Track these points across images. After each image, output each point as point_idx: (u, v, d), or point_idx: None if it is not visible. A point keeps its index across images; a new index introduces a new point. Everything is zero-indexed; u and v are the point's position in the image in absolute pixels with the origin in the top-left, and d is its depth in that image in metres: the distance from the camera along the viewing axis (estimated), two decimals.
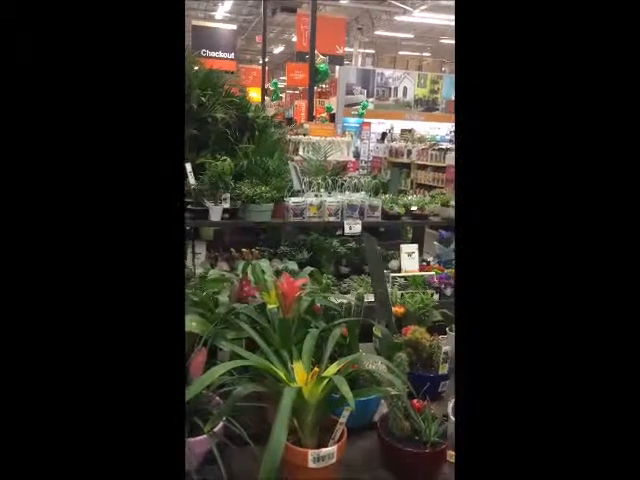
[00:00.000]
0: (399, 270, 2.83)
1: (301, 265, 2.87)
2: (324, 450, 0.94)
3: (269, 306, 1.24)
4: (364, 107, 9.86)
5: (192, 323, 1.09)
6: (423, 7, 11.94)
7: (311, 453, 0.93)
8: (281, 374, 0.99)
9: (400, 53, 15.58)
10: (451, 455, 1.08)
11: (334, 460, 0.95)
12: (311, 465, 0.93)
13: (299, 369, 1.02)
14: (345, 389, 0.87)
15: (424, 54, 16.76)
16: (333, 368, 1.03)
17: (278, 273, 1.49)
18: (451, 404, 1.18)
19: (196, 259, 2.85)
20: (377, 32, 14.48)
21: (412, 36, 15.27)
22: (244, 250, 3.11)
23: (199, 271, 1.52)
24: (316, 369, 1.01)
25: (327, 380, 0.97)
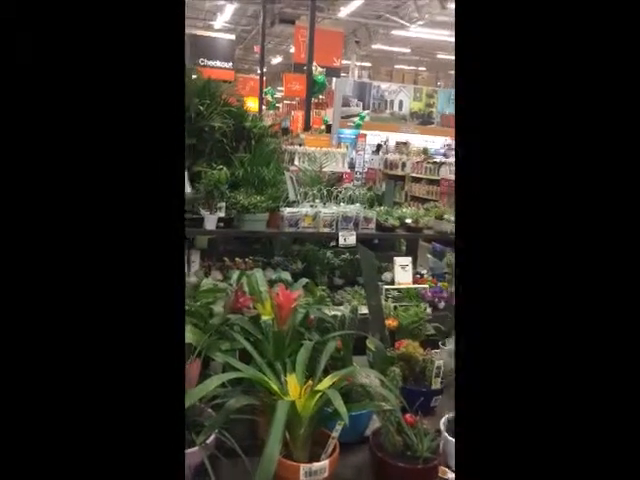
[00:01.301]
0: (392, 282, 2.84)
1: (294, 275, 2.88)
2: (316, 465, 0.93)
3: (263, 317, 1.24)
4: (362, 119, 9.92)
5: (186, 333, 1.08)
6: (420, 22, 12.11)
7: (303, 467, 0.92)
8: (275, 387, 0.98)
9: (396, 67, 15.76)
10: (443, 471, 1.08)
11: (326, 475, 0.95)
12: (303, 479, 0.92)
13: (293, 382, 1.02)
14: (339, 403, 0.87)
15: (420, 68, 16.96)
16: (327, 381, 1.03)
17: (272, 283, 1.48)
18: (443, 419, 1.18)
19: (190, 268, 2.84)
20: (374, 46, 14.64)
21: (409, 50, 15.46)
22: (237, 259, 3.11)
23: (193, 280, 1.51)
24: (310, 382, 1.01)
25: (321, 394, 0.97)
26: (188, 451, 0.91)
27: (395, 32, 13.05)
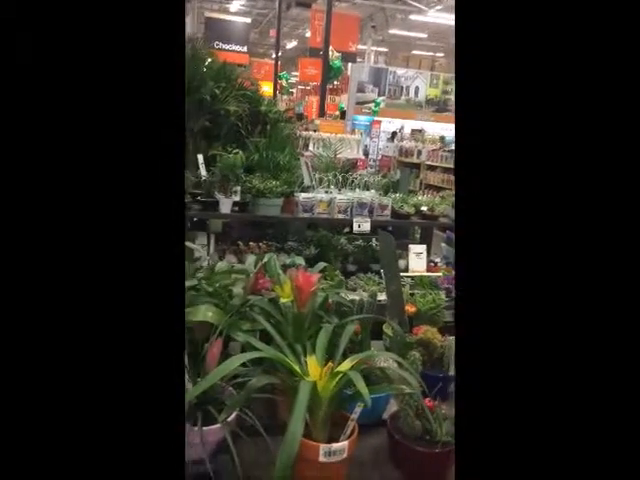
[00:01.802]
0: (406, 270, 2.83)
1: (308, 261, 2.87)
2: (335, 445, 0.94)
3: (282, 300, 1.24)
4: (377, 105, 9.80)
5: (208, 313, 1.09)
6: (438, 7, 11.88)
7: (323, 447, 0.93)
8: (296, 368, 0.99)
9: (413, 52, 15.52)
10: None
11: (345, 455, 0.95)
12: (322, 459, 0.93)
13: (313, 363, 1.03)
14: (361, 385, 0.87)
15: (437, 54, 16.68)
16: (346, 364, 1.03)
17: (285, 268, 1.49)
18: None
19: (204, 250, 2.86)
20: (391, 31, 14.43)
21: (426, 36, 15.21)
22: (252, 244, 3.12)
23: (210, 262, 1.52)
24: (330, 364, 1.01)
25: (341, 375, 0.97)
26: (210, 428, 0.93)
27: (413, 17, 12.83)
